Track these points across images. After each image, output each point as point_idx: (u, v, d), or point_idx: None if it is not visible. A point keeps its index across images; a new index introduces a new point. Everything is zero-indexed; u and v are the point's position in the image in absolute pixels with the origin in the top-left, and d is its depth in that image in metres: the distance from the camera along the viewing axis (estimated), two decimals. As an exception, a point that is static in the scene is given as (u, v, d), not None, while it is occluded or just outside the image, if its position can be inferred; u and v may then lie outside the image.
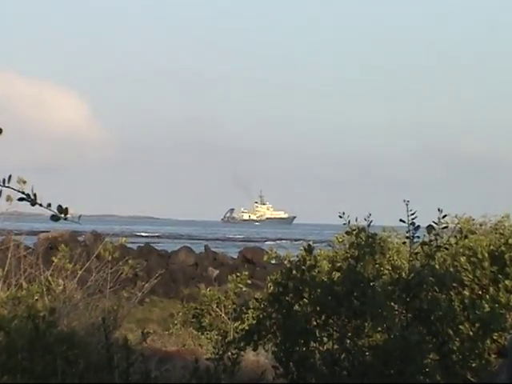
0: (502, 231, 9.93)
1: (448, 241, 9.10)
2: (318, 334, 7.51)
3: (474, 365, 8.23)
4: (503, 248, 9.35)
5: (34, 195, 5.03)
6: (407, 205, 8.35)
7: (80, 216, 5.44)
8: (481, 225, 10.60)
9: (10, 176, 4.93)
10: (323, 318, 7.61)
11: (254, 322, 8.06)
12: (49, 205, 5.10)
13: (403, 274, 8.29)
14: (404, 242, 9.10)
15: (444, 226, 8.87)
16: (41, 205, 5.11)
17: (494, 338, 8.33)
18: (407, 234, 8.53)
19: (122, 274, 11.21)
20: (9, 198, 5.05)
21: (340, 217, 8.77)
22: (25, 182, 5.00)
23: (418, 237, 8.52)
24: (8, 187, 4.98)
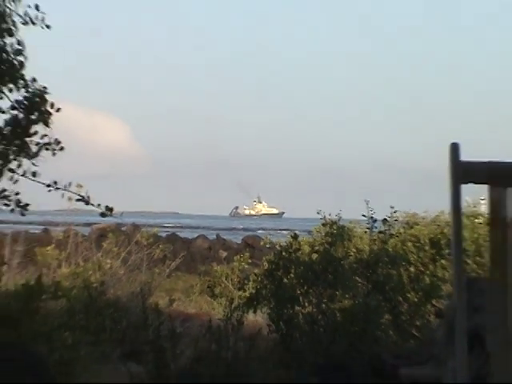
0: (438, 223, 10.05)
1: (398, 230, 9.25)
2: (301, 301, 7.53)
3: (417, 323, 8.34)
4: (439, 236, 9.58)
5: (88, 197, 5.12)
6: (367, 204, 8.58)
7: (122, 213, 5.57)
8: (423, 218, 10.70)
9: (70, 183, 5.08)
10: (305, 288, 7.69)
11: (254, 291, 8.07)
12: (98, 205, 5.17)
13: (364, 255, 8.46)
14: (365, 231, 9.17)
15: (395, 219, 9.03)
16: (92, 204, 5.17)
17: (433, 303, 8.43)
18: (368, 225, 8.69)
19: (154, 255, 11.26)
20: (70, 199, 5.12)
21: (318, 213, 8.87)
22: (81, 187, 5.11)
23: (376, 227, 8.67)
24: (69, 191, 5.09)
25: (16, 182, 5.12)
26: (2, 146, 5.02)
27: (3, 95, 5.11)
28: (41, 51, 5.15)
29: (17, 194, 5.13)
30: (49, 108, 5.11)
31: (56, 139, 5.16)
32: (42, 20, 5.08)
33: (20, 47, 5.09)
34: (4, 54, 5.05)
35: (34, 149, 5.12)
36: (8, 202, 5.13)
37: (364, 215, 9.08)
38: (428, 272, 9.38)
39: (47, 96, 5.14)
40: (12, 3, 5.03)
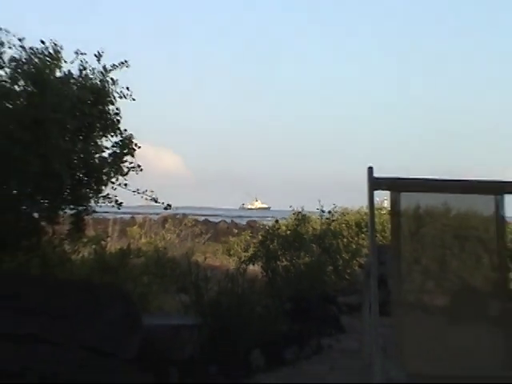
0: (360, 213, 10.08)
1: (337, 217, 9.24)
2: (280, 259, 7.53)
3: (348, 271, 8.45)
4: (361, 220, 9.56)
5: (156, 198, 5.14)
6: (319, 202, 8.60)
7: (176, 208, 5.54)
8: (351, 210, 10.70)
9: (146, 190, 5.09)
10: (283, 251, 7.63)
11: (253, 252, 8.07)
12: (162, 202, 5.17)
13: (317, 232, 8.41)
14: (318, 218, 9.19)
15: (335, 211, 9.08)
16: (159, 202, 5.18)
17: (357, 259, 8.40)
18: (319, 214, 8.71)
19: (195, 232, 11.26)
20: (146, 199, 5.16)
21: (290, 207, 8.92)
22: (153, 191, 5.10)
23: (324, 215, 8.68)
24: (145, 194, 5.12)
25: (115, 189, 5.14)
26: (107, 169, 5.05)
27: (108, 139, 5.15)
28: (129, 112, 5.14)
29: (115, 196, 5.17)
30: (134, 146, 5.14)
31: (138, 164, 5.18)
32: (130, 95, 5.13)
33: (117, 111, 5.13)
34: (108, 116, 5.09)
35: (125, 170, 5.14)
36: (110, 201, 5.17)
37: (318, 208, 9.16)
38: (354, 241, 9.45)
39: (133, 139, 5.17)
40: (113, 85, 5.08)
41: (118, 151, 5.11)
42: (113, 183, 5.11)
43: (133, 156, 5.14)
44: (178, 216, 12.33)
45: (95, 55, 5.01)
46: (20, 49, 4.81)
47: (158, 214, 11.45)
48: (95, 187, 5.11)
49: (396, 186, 3.18)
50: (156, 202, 5.17)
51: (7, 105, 4.68)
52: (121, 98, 5.09)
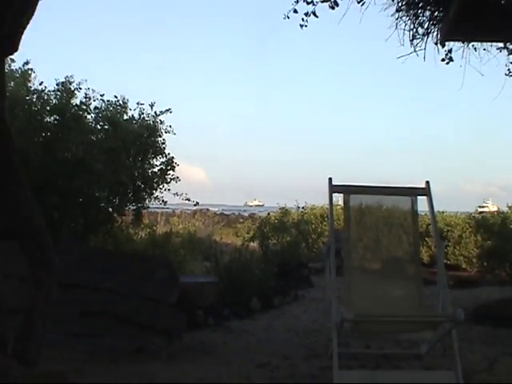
0: (324, 209, 9.89)
1: (308, 211, 9.19)
2: (270, 238, 7.48)
3: (316, 246, 8.26)
4: (324, 213, 9.58)
5: (189, 198, 5.15)
6: (296, 200, 8.59)
7: (202, 204, 5.41)
8: (317, 206, 10.56)
9: (182, 193, 5.00)
10: (272, 233, 7.58)
11: (253, 234, 8.03)
12: (193, 201, 5.23)
13: (295, 221, 8.33)
14: (296, 211, 9.09)
15: (307, 206, 8.99)
16: (191, 201, 5.14)
17: (322, 239, 8.41)
18: (297, 209, 8.64)
19: (214, 221, 11.15)
20: (182, 199, 5.11)
21: (277, 203, 8.91)
22: (187, 194, 5.11)
23: (300, 210, 8.59)
24: (182, 196, 5.04)
25: (162, 192, 5.15)
26: (157, 179, 5.06)
27: (157, 159, 5.15)
28: (172, 143, 5.08)
29: (162, 197, 5.17)
30: (174, 164, 5.15)
31: (177, 176, 5.17)
32: (172, 131, 5.12)
33: (163, 141, 5.13)
34: (157, 144, 5.10)
35: (168, 180, 5.14)
36: (159, 201, 5.17)
37: (295, 205, 9.17)
38: (319, 227, 9.42)
39: (174, 159, 5.18)
40: (161, 124, 5.07)
41: (164, 168, 5.12)
42: (160, 189, 5.13)
43: (173, 170, 5.16)
44: (202, 210, 12.28)
45: (149, 105, 5.05)
46: (100, 101, 4.86)
47: (189, 209, 11.38)
48: (149, 191, 5.12)
49: (347, 190, 3.21)
50: (188, 200, 5.14)
51: (92, 138, 4.73)
52: (166, 132, 5.12)
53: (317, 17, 3.47)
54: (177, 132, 5.10)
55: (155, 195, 5.07)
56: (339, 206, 10.06)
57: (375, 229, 3.08)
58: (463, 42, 3.87)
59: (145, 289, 3.24)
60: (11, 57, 3.71)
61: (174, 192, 5.05)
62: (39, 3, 1.75)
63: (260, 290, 5.14)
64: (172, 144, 5.22)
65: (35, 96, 4.53)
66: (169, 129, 5.06)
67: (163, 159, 5.08)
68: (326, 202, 3.29)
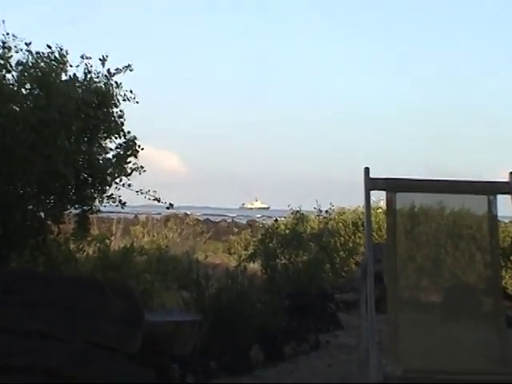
0: (357, 212, 10.07)
1: (334, 216, 9.26)
2: (279, 256, 7.50)
3: (346, 269, 8.34)
4: (358, 220, 9.55)
5: (159, 198, 5.10)
6: (317, 201, 8.58)
7: (178, 207, 5.48)
8: (348, 209, 10.70)
9: (149, 190, 5.02)
10: (282, 249, 7.62)
11: (253, 251, 8.08)
12: (165, 202, 5.14)
13: (315, 231, 8.40)
14: (315, 217, 9.19)
15: (333, 210, 9.09)
16: (161, 202, 5.14)
17: (354, 258, 8.40)
18: (317, 214, 8.70)
19: (196, 230, 11.23)
20: (149, 199, 5.12)
21: (288, 206, 8.94)
22: (155, 192, 5.07)
23: (322, 215, 8.68)
24: (149, 194, 5.04)
25: (119, 189, 5.12)
26: (111, 170, 5.04)
27: (112, 141, 5.14)
28: (132, 115, 5.10)
29: (119, 196, 5.15)
30: (137, 148, 5.13)
31: (141, 165, 5.16)
32: (134, 98, 5.11)
33: (121, 113, 5.11)
34: (112, 118, 5.07)
35: (129, 171, 5.12)
36: (114, 201, 5.16)
37: (315, 208, 9.22)
38: (351, 240, 9.47)
39: (136, 141, 5.15)
40: (117, 89, 5.06)
41: (122, 153, 5.08)
42: (117, 183, 5.09)
43: (136, 157, 5.13)
44: (179, 215, 12.36)
45: (100, 59, 4.99)
46: (26, 53, 4.80)
47: (160, 213, 11.47)
48: (99, 187, 5.09)
49: (392, 186, 3.17)
50: (158, 201, 5.13)
51: (14, 107, 4.68)
52: (124, 100, 5.08)
53: None
54: (141, 101, 5.07)
55: (109, 193, 5.07)
56: (380, 210, 10.26)
57: (434, 243, 3.04)
58: None
59: (92, 331, 3.25)
60: None
61: (136, 189, 5.05)
62: None
63: (263, 333, 5.15)
64: (134, 118, 5.20)
65: None
66: (129, 95, 5.04)
67: (121, 140, 5.06)
68: (361, 203, 3.26)
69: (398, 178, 3.18)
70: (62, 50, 4.92)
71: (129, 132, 5.15)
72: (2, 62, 4.64)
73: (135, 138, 5.16)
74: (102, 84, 5.00)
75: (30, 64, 4.78)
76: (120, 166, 5.06)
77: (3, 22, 4.67)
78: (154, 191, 5.10)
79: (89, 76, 4.99)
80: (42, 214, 4.95)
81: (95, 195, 5.10)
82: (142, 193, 5.11)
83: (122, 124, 5.12)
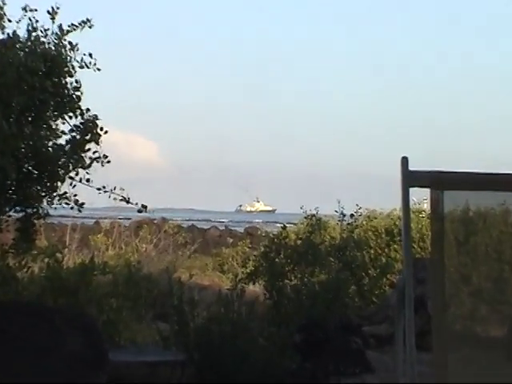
0: (392, 217, 10.09)
1: (361, 222, 9.29)
2: (288, 275, 7.51)
3: (376, 292, 8.39)
4: (393, 227, 9.62)
5: (128, 198, 5.11)
6: (339, 202, 8.59)
7: (154, 210, 5.55)
8: (380, 213, 10.72)
9: (115, 187, 5.07)
10: (291, 266, 7.65)
11: (253, 268, 8.10)
12: (136, 203, 5.18)
13: (336, 241, 8.44)
14: (337, 223, 9.23)
15: (359, 214, 9.10)
16: (132, 203, 5.19)
17: (388, 277, 8.46)
18: (339, 219, 8.71)
19: (178, 241, 11.30)
20: (114, 199, 5.13)
21: (301, 208, 8.91)
22: (123, 190, 5.11)
23: (345, 220, 8.68)
24: (114, 193, 5.08)
25: (74, 186, 5.15)
26: (64, 160, 5.05)
27: (65, 121, 5.14)
28: (92, 87, 5.11)
29: (75, 195, 5.17)
30: (99, 131, 5.14)
31: (104, 154, 5.17)
32: (94, 64, 5.11)
33: (77, 85, 5.12)
34: (65, 91, 5.08)
35: (88, 161, 5.14)
36: (68, 202, 5.17)
37: (336, 211, 9.20)
38: (384, 254, 9.50)
39: (98, 122, 5.16)
40: (71, 51, 5.06)
41: (79, 137, 5.10)
42: (71, 178, 5.11)
43: (97, 144, 5.14)
44: (155, 221, 12.38)
45: (48, 12, 4.99)
46: None
47: (129, 218, 11.47)
48: (48, 183, 5.11)
49: (439, 181, 3.15)
50: (128, 202, 5.19)
51: None
52: (82, 67, 5.08)
53: None
54: (105, 68, 5.14)
55: (61, 192, 5.10)
56: (423, 213, 10.21)
57: (496, 258, 3.05)
58: None
59: (38, 375, 3.27)
60: None
61: (98, 186, 5.10)
62: None
63: (268, 377, 5.16)
64: (95, 92, 5.20)
65: None
66: (88, 61, 5.05)
67: (77, 121, 5.09)
68: (397, 204, 3.27)
69: (447, 172, 3.17)
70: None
71: (88, 110, 5.17)
72: None
73: (96, 118, 5.17)
74: (51, 45, 5.03)
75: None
76: (76, 156, 5.07)
77: None
78: (122, 189, 5.16)
79: (34, 35, 5.02)
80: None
81: (42, 194, 5.13)
82: (105, 191, 5.15)
83: (79, 99, 5.14)
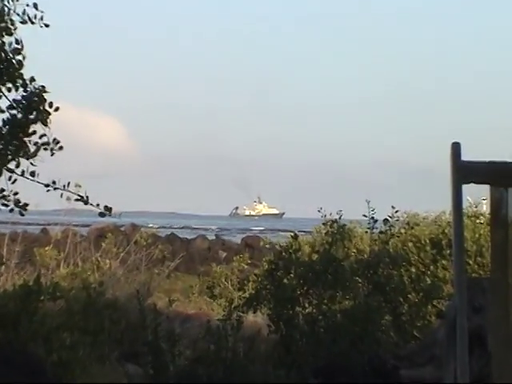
0: (439, 223, 10.06)
1: (399, 230, 9.27)
2: (301, 301, 7.54)
3: (418, 324, 8.40)
4: (441, 236, 9.61)
5: (87, 197, 5.12)
6: (368, 203, 8.58)
7: (121, 213, 5.55)
8: (424, 218, 10.72)
9: (68, 182, 5.09)
10: (305, 288, 7.68)
11: (253, 291, 8.09)
12: (97, 204, 5.19)
13: (365, 256, 8.43)
14: (366, 231, 9.20)
15: (396, 219, 9.07)
16: (91, 204, 5.18)
17: (434, 304, 8.48)
18: (368, 225, 8.69)
19: (153, 255, 11.35)
20: (68, 199, 5.13)
21: (318, 211, 8.89)
22: (80, 187, 5.11)
23: (376, 227, 8.67)
24: (68, 191, 5.10)
25: (14, 181, 5.14)
26: (0, 146, 5.04)
27: (1, 94, 5.13)
28: (40, 50, 5.12)
29: (15, 193, 5.16)
30: (47, 107, 5.12)
31: (55, 139, 5.17)
32: (41, 19, 5.10)
33: (18, 46, 5.10)
34: (2, 53, 5.06)
35: (33, 148, 5.13)
36: (7, 202, 5.16)
37: (365, 215, 9.13)
38: (429, 272, 9.49)
39: (46, 95, 5.15)
40: (10, 2, 5.04)
41: (21, 116, 5.11)
42: (11, 171, 5.10)
43: (45, 124, 5.13)
44: (123, 228, 12.33)
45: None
46: None
47: (88, 224, 11.42)
48: (-20, 178, 5.11)
49: (502, 176, 3.15)
50: (86, 203, 5.24)
51: None
52: (24, 23, 5.07)
53: None
54: (56, 25, 5.11)
55: (-4, 189, 5.13)
56: (482, 219, 10.11)
57: None
58: None
59: None
60: None
61: (46, 181, 5.17)
62: None
63: None
64: (43, 57, 5.20)
65: None
66: (33, 14, 5.05)
67: (18, 93, 5.11)
68: (446, 206, 3.27)
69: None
70: None
71: (32, 79, 5.16)
72: None
73: (44, 91, 5.16)
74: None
75: None
76: (16, 141, 5.09)
77: None
78: (79, 186, 5.23)
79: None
80: None
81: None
82: (56, 188, 5.18)
83: (21, 65, 5.12)
